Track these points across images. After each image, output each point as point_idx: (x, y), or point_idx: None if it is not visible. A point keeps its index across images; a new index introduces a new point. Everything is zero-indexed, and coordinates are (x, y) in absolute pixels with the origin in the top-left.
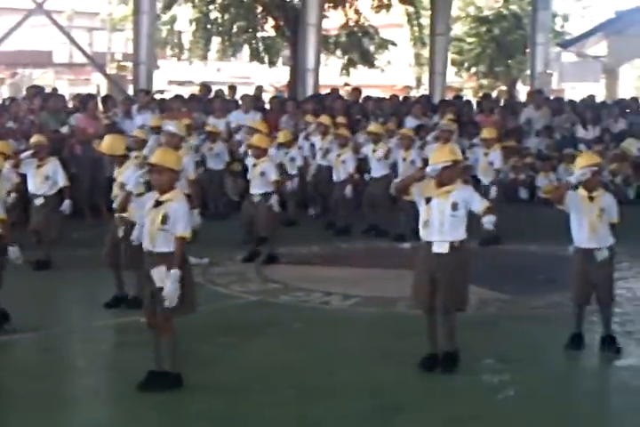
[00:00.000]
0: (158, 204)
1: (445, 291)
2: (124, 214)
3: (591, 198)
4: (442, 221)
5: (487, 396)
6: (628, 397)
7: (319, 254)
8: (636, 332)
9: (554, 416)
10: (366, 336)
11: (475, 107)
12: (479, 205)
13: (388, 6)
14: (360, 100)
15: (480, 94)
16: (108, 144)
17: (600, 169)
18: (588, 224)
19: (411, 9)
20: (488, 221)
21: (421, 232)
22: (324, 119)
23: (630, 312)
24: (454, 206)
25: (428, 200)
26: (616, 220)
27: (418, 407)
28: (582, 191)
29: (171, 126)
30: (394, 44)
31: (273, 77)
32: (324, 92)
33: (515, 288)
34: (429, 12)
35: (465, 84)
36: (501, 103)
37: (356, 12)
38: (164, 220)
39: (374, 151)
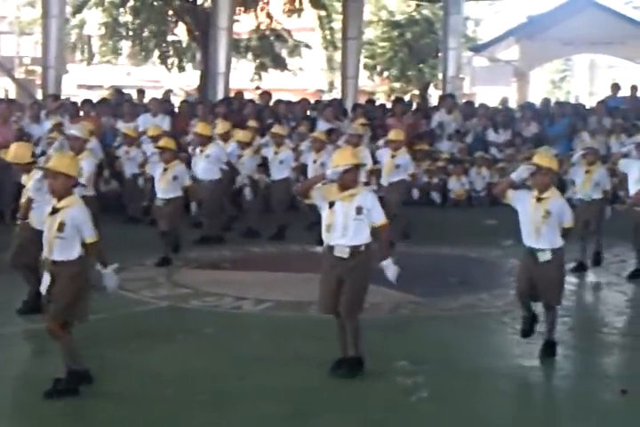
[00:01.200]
0: (55, 211)
1: (347, 295)
2: (26, 220)
3: (539, 200)
4: (345, 225)
5: (401, 398)
6: (537, 396)
7: (230, 259)
8: None
9: (467, 417)
10: (279, 340)
11: (387, 110)
12: (377, 218)
13: (300, 10)
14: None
15: (392, 98)
16: (13, 152)
17: (551, 171)
18: (531, 224)
19: (322, 13)
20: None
21: (325, 236)
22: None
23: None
24: (358, 210)
25: (332, 204)
26: (568, 224)
27: (331, 411)
28: (534, 191)
29: (74, 130)
30: (307, 46)
31: (184, 81)
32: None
33: (427, 290)
34: (341, 16)
35: (377, 87)
36: (414, 107)
37: (268, 15)
38: (61, 227)
39: (276, 153)
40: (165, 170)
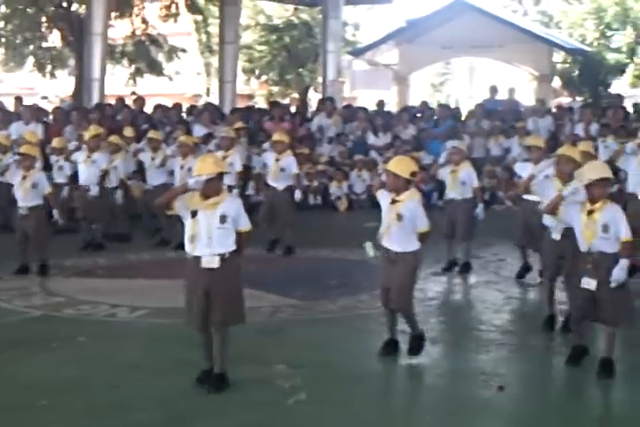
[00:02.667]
0: None
1: (223, 306)
2: None
3: (394, 202)
4: (210, 235)
5: (279, 401)
6: (416, 395)
7: (106, 266)
8: (428, 331)
9: (345, 419)
10: (154, 348)
11: (265, 114)
12: (242, 225)
13: (176, 15)
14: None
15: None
16: None
17: (396, 174)
18: (384, 225)
19: (199, 17)
20: None
21: (188, 247)
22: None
23: (420, 313)
24: (222, 219)
25: (194, 213)
26: (422, 229)
27: (208, 417)
28: (392, 193)
29: None
30: (183, 50)
31: (58, 88)
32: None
33: (306, 294)
34: (218, 20)
35: (256, 91)
36: (292, 111)
37: (144, 20)
38: None
39: (153, 159)
40: (24, 177)
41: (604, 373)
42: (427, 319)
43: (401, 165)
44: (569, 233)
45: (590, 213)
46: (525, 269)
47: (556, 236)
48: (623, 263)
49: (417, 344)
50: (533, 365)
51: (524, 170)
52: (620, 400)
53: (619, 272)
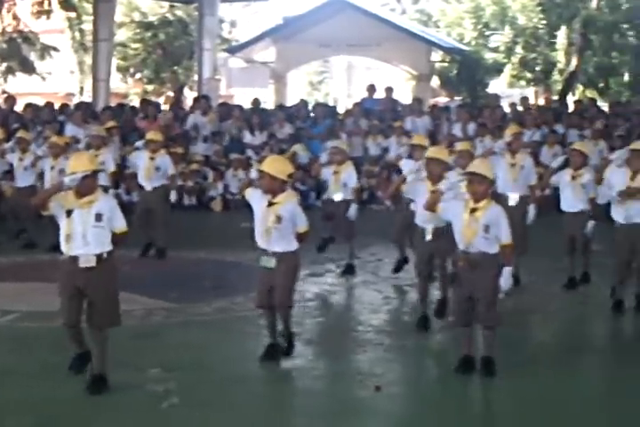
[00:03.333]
0: None
1: (100, 307)
2: None
3: (270, 204)
4: (85, 234)
5: (152, 405)
6: (293, 397)
7: None
8: (305, 332)
9: (219, 423)
10: (25, 352)
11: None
12: (117, 225)
13: (49, 12)
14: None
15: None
16: None
17: (271, 175)
18: (262, 227)
19: (72, 14)
20: None
21: (64, 247)
22: None
23: (297, 314)
24: (98, 217)
25: (69, 212)
26: (302, 229)
27: (79, 422)
28: (269, 195)
29: None
30: (56, 49)
31: None
32: None
33: (181, 296)
34: (92, 18)
35: (131, 90)
36: (167, 109)
37: (15, 17)
38: None
39: (20, 160)
40: None
41: (486, 372)
42: (304, 321)
43: (276, 166)
44: (440, 233)
45: (473, 211)
46: (402, 261)
47: (428, 236)
48: (508, 272)
49: (289, 345)
50: (409, 364)
51: (406, 167)
52: (500, 398)
53: (506, 282)
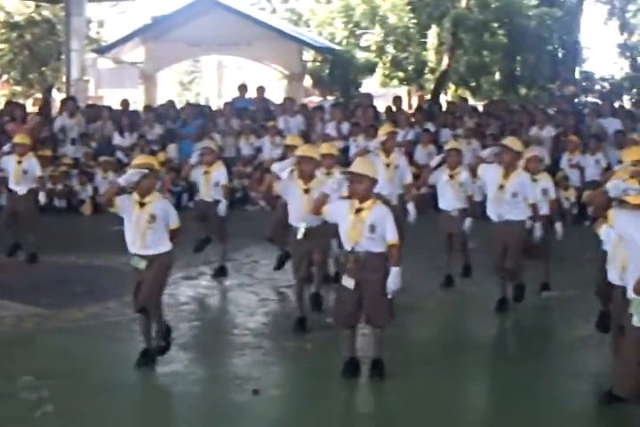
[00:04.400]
0: None
1: None
2: None
3: (142, 204)
4: None
5: (24, 414)
6: (170, 403)
7: None
8: (180, 337)
9: None
10: None
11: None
12: None
13: None
14: None
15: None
16: None
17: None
18: (136, 230)
19: None
20: None
21: None
22: None
23: (172, 318)
24: None
25: None
26: (175, 226)
27: None
28: (135, 196)
29: None
30: None
31: None
32: None
33: (52, 302)
34: None
35: None
36: (35, 111)
37: None
38: None
39: None
40: None
41: (376, 373)
42: (179, 325)
43: (148, 160)
44: (314, 232)
45: (358, 211)
46: (284, 256)
47: (299, 235)
48: (395, 273)
49: (163, 349)
50: (288, 367)
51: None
52: (382, 399)
53: (393, 282)
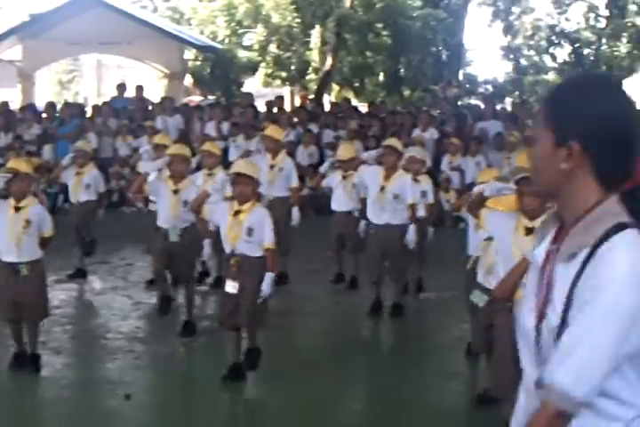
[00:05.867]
0: None
1: None
2: None
3: (17, 209)
4: None
5: None
6: (41, 409)
7: None
8: (52, 341)
9: None
10: None
11: None
12: None
13: None
14: None
15: None
16: None
17: (28, 176)
18: (11, 236)
19: None
20: None
21: None
22: None
23: (43, 322)
24: None
25: None
26: (47, 233)
27: None
28: (11, 200)
29: None
30: None
31: None
32: None
33: None
34: None
35: None
36: None
37: None
38: None
39: None
40: None
41: (232, 377)
42: (51, 329)
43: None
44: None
45: (237, 213)
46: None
47: (173, 238)
48: (269, 277)
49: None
50: (160, 371)
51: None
52: (266, 402)
53: (267, 287)
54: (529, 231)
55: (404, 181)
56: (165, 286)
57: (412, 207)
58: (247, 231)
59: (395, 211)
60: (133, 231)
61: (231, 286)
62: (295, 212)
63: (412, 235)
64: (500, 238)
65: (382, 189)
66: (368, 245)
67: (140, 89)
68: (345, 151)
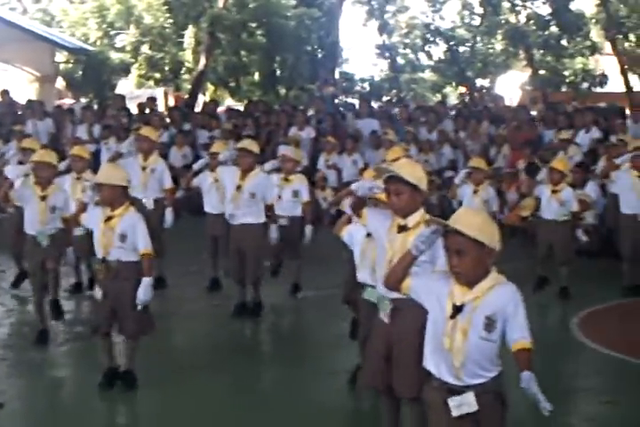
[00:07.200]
0: None
1: None
2: None
3: None
4: None
5: None
6: None
7: None
8: None
9: None
10: None
11: None
12: None
13: None
14: None
15: None
16: None
17: None
18: None
19: None
20: None
21: None
22: None
23: None
24: None
25: None
26: None
27: None
28: None
29: None
30: None
31: None
32: None
33: None
34: None
35: None
36: None
37: None
38: None
39: None
40: None
41: (127, 384)
42: None
43: None
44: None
45: (108, 219)
46: (21, 277)
47: (44, 243)
48: (147, 282)
49: None
50: (33, 379)
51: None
52: (145, 408)
53: (144, 293)
54: (401, 229)
55: (261, 180)
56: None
57: (271, 207)
58: (120, 238)
59: (251, 210)
60: (4, 238)
61: (97, 293)
62: (169, 213)
63: (274, 233)
64: (377, 235)
65: (238, 187)
66: (229, 245)
67: (5, 93)
68: (217, 150)
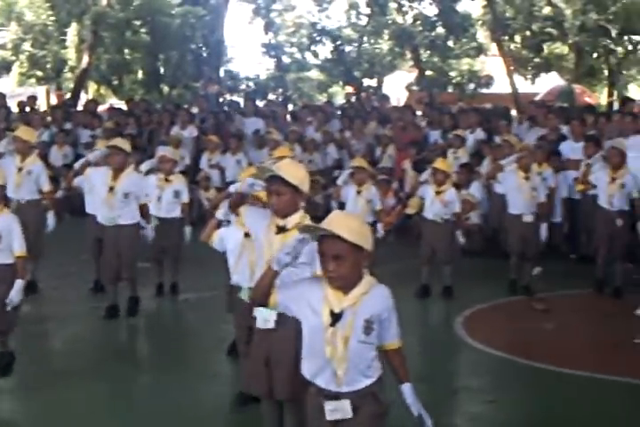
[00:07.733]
0: None
1: None
2: None
3: None
4: None
5: None
6: None
7: None
8: None
9: None
10: None
11: None
12: None
13: None
14: None
15: None
16: None
17: None
18: None
19: None
20: None
21: None
22: None
23: None
24: None
25: None
26: None
27: None
28: None
29: None
30: None
31: None
32: None
33: None
34: None
35: None
36: None
37: None
38: None
39: None
40: None
41: None
42: None
43: None
44: None
45: None
46: None
47: None
48: (19, 285)
49: None
50: None
51: None
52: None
53: (17, 295)
54: (280, 230)
55: (135, 179)
56: None
57: (144, 207)
58: None
59: (125, 210)
60: None
61: None
62: (50, 217)
63: (148, 233)
64: (255, 234)
65: (111, 189)
66: (103, 247)
67: None
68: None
